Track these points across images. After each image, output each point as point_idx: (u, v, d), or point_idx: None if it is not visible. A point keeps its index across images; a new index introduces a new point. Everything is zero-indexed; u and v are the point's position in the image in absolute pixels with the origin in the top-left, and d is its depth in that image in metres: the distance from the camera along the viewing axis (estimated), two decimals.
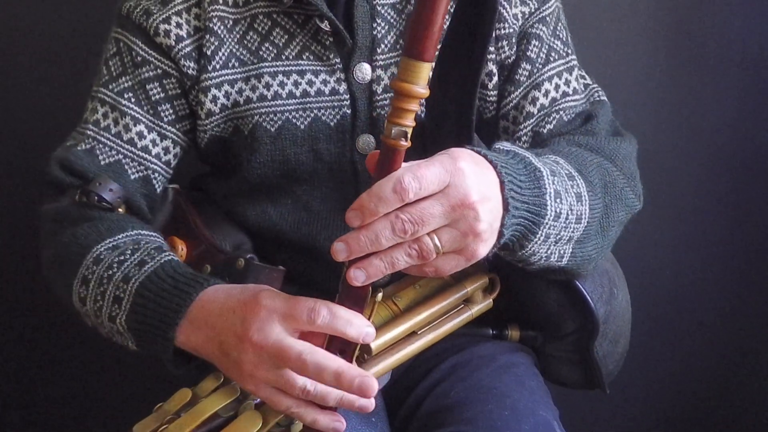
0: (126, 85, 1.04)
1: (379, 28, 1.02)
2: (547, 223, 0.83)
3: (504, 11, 1.02)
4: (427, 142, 0.97)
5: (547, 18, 1.05)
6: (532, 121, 1.04)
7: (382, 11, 1.02)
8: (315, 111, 1.02)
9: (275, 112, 1.02)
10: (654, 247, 1.67)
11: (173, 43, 1.02)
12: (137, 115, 1.04)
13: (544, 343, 1.11)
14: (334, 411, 0.83)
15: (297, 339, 0.80)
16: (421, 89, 0.71)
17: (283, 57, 1.02)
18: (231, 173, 1.07)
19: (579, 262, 0.92)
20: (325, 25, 1.00)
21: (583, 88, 1.07)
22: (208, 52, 1.02)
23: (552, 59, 1.05)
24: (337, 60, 1.02)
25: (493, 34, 1.02)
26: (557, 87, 1.05)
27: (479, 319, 1.03)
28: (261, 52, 1.02)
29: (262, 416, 0.84)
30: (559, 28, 1.07)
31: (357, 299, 0.79)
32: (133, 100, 1.04)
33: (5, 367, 1.70)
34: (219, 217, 1.09)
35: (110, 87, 1.05)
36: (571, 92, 1.05)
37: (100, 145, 1.04)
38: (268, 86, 1.02)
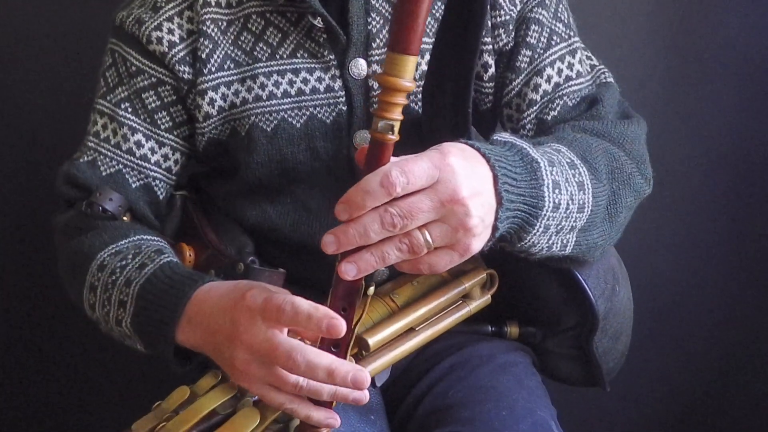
0: (122, 95, 1.05)
1: (374, 23, 1.02)
2: (545, 215, 0.82)
3: None
4: (424, 136, 0.97)
5: (547, 0, 1.04)
6: (535, 108, 1.03)
7: (377, 5, 1.02)
8: (311, 109, 1.02)
9: (271, 112, 1.02)
10: (655, 246, 1.67)
11: (166, 49, 1.03)
12: (134, 125, 1.05)
13: (543, 338, 1.11)
14: (329, 406, 0.83)
15: (287, 336, 0.80)
16: (407, 83, 0.71)
17: (278, 56, 1.02)
18: (230, 174, 1.08)
19: (584, 250, 0.91)
20: (318, 22, 1.00)
21: (588, 70, 1.06)
22: (203, 56, 1.02)
23: (554, 43, 1.04)
24: (332, 57, 1.02)
25: (488, 24, 1.02)
26: (560, 71, 1.04)
27: (478, 316, 1.03)
28: (255, 53, 1.03)
29: (260, 413, 0.84)
30: (560, 9, 1.05)
31: (349, 294, 0.79)
32: (129, 110, 1.05)
33: (4, 367, 1.70)
34: (225, 221, 1.10)
35: (108, 98, 1.06)
36: (574, 76, 1.04)
37: (101, 156, 1.06)
38: (263, 86, 1.02)
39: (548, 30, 1.04)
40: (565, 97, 1.03)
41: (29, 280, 1.63)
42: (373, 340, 0.90)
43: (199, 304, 0.87)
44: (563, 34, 1.05)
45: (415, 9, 0.69)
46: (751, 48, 1.57)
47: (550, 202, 0.82)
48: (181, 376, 0.94)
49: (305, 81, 1.02)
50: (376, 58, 1.02)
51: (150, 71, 1.04)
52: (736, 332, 1.71)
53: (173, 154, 1.07)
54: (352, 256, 0.75)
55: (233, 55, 1.03)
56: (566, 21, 1.06)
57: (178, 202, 1.12)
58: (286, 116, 1.02)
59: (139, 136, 1.05)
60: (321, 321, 0.76)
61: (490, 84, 1.05)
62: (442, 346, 1.07)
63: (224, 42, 1.03)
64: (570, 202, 0.85)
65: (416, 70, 0.75)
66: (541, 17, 1.03)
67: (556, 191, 0.83)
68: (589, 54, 1.08)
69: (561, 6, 1.06)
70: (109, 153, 1.05)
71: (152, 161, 1.06)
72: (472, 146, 0.78)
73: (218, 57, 1.03)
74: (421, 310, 0.95)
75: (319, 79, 1.02)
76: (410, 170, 0.72)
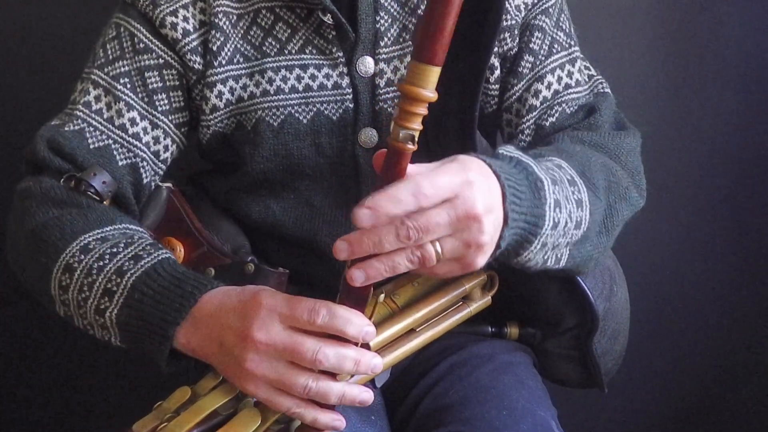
0: (123, 69, 1.03)
1: (382, 21, 1.01)
2: (544, 233, 0.82)
3: (507, 2, 1.02)
4: (429, 139, 0.97)
5: (550, 9, 1.05)
6: (534, 113, 1.04)
7: (386, 4, 1.02)
8: (317, 105, 1.02)
9: (278, 107, 1.02)
10: (654, 247, 1.67)
11: (180, 36, 1.01)
12: (131, 102, 1.03)
13: (543, 339, 1.11)
14: (333, 409, 0.83)
15: None
16: (430, 93, 0.71)
17: (286, 51, 1.02)
18: (233, 169, 1.07)
19: (578, 263, 0.91)
20: (327, 19, 1.00)
21: (586, 79, 1.07)
22: (214, 48, 1.01)
23: (555, 51, 1.05)
24: (340, 54, 1.01)
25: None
26: (560, 79, 1.05)
27: (478, 317, 1.03)
28: (264, 48, 1.02)
29: (261, 414, 0.84)
30: (561, 19, 1.07)
31: (358, 299, 0.79)
32: (128, 85, 1.03)
33: (4, 367, 1.70)
34: (216, 216, 1.08)
35: (105, 70, 1.03)
36: (573, 84, 1.06)
37: (90, 128, 1.02)
38: (271, 81, 1.02)
39: (550, 38, 1.05)
40: (563, 105, 1.04)
41: None
42: (374, 342, 0.90)
43: (204, 306, 0.86)
44: (564, 43, 1.06)
45: (443, 20, 0.68)
46: (751, 48, 1.58)
47: (550, 220, 0.82)
48: (182, 377, 0.93)
49: (313, 77, 1.02)
50: (384, 56, 1.02)
51: (159, 51, 1.02)
52: (735, 332, 1.71)
53: (164, 138, 1.05)
54: (361, 263, 0.75)
55: (242, 49, 1.02)
56: (567, 30, 1.07)
57: (164, 194, 1.08)
58: (293, 111, 1.02)
59: (134, 114, 1.03)
60: (361, 327, 0.78)
61: (496, 86, 1.06)
62: (442, 347, 1.07)
63: (234, 36, 1.02)
64: (568, 219, 0.85)
65: None
66: (543, 25, 1.04)
67: (557, 209, 0.83)
68: (588, 64, 1.09)
69: (563, 15, 1.07)
70: (99, 126, 1.02)
71: (143, 141, 1.03)
72: (483, 161, 0.78)
73: (228, 50, 1.02)
74: (422, 311, 0.95)
75: (327, 76, 1.02)
76: (438, 184, 0.72)
